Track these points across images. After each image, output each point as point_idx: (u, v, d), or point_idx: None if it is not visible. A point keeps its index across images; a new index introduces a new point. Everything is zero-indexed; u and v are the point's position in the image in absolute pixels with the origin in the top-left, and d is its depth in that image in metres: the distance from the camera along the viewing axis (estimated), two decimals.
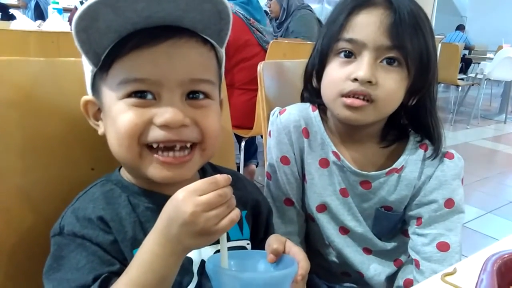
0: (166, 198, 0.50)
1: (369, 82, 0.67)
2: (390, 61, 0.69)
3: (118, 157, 0.55)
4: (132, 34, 0.50)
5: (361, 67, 0.68)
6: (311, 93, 0.82)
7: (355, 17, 0.70)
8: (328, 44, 0.73)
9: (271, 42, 2.14)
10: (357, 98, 0.69)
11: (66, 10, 2.83)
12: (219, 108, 0.59)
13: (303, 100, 0.85)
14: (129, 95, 0.51)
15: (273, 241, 0.57)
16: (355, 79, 0.68)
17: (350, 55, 0.70)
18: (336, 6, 0.75)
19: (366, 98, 0.68)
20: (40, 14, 4.73)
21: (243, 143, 2.33)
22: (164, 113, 0.50)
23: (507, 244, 0.63)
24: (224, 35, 0.55)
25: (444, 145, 0.78)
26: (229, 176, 0.47)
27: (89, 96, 0.58)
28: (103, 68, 0.53)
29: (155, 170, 0.53)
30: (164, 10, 0.48)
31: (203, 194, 0.45)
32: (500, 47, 5.74)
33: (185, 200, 0.44)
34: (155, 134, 0.51)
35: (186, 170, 0.54)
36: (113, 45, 0.51)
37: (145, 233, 0.53)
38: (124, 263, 0.51)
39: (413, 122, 0.79)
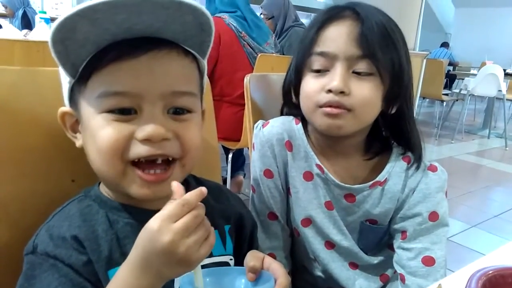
0: (146, 212, 0.49)
1: (342, 92, 0.69)
2: (362, 70, 0.70)
3: (99, 173, 0.54)
4: (111, 46, 0.49)
5: (334, 78, 0.69)
6: (291, 107, 0.83)
7: (325, 31, 0.72)
8: (302, 59, 0.75)
9: (259, 55, 2.15)
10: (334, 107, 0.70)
11: (53, 20, 2.80)
12: (200, 120, 0.58)
13: (283, 115, 0.85)
14: (109, 110, 0.50)
15: (250, 259, 0.57)
16: (329, 91, 0.69)
17: (323, 69, 0.72)
18: (309, 23, 0.77)
19: (343, 107, 0.69)
20: (27, 23, 4.68)
21: (230, 155, 2.32)
22: (146, 127, 0.49)
23: (492, 259, 0.63)
24: (206, 46, 0.55)
25: (425, 157, 0.78)
26: (201, 189, 0.45)
27: (66, 107, 0.56)
28: (81, 80, 0.51)
29: (136, 187, 0.52)
30: (144, 22, 0.47)
31: (178, 219, 0.43)
32: (483, 64, 5.88)
33: (161, 229, 0.42)
34: (138, 150, 0.50)
35: (166, 187, 0.52)
36: (92, 57, 0.50)
37: (122, 250, 0.52)
38: (98, 285, 0.50)
39: (394, 132, 0.79)
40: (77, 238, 0.51)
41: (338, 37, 0.70)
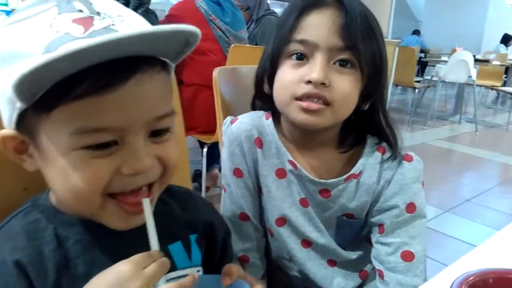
0: (100, 228, 0.47)
1: (323, 84, 0.65)
2: (343, 62, 0.67)
3: (68, 208, 0.49)
4: (84, 71, 0.39)
5: (314, 68, 0.66)
6: (263, 99, 0.78)
7: (306, 18, 0.68)
8: (279, 46, 0.71)
9: (232, 46, 2.11)
10: (313, 101, 0.66)
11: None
12: (177, 133, 0.53)
13: (254, 108, 0.81)
14: (86, 147, 0.43)
15: (228, 266, 0.54)
16: (309, 81, 0.66)
17: (302, 57, 0.68)
18: (286, 8, 0.72)
19: (322, 100, 0.66)
20: None
21: (205, 149, 2.28)
22: (132, 162, 0.44)
23: (470, 262, 0.62)
24: (184, 54, 0.49)
25: (402, 146, 0.76)
26: (159, 252, 0.46)
27: (8, 131, 0.46)
28: (39, 107, 0.42)
29: (117, 220, 0.48)
30: (131, 49, 0.41)
31: (146, 267, 0.44)
32: (453, 50, 5.99)
33: (133, 275, 0.42)
34: (123, 184, 0.45)
35: (143, 216, 0.48)
36: (57, 84, 0.39)
37: (71, 272, 0.47)
38: None
39: (368, 126, 0.77)
40: (20, 264, 0.46)
41: (320, 26, 0.66)
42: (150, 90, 0.45)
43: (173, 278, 0.53)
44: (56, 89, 0.39)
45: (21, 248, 0.47)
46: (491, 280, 0.45)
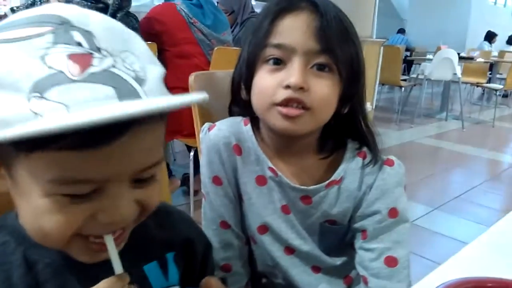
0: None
1: (301, 88, 0.64)
2: (321, 66, 0.66)
3: (35, 240, 0.44)
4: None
5: (292, 73, 0.64)
6: (241, 106, 0.77)
7: (281, 22, 0.66)
8: (254, 51, 0.69)
9: (216, 48, 2.09)
10: (292, 106, 0.65)
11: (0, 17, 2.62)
12: (161, 174, 0.48)
13: (232, 114, 0.79)
14: (63, 195, 0.39)
15: (207, 278, 0.53)
16: (287, 86, 0.64)
17: (279, 62, 0.66)
18: (260, 12, 0.71)
19: (301, 105, 0.65)
20: None
21: (192, 152, 2.26)
22: (111, 211, 0.40)
23: (450, 267, 0.61)
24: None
25: (386, 143, 0.75)
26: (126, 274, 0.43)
27: None
28: (18, 146, 0.38)
29: (82, 255, 0.45)
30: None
31: None
32: (438, 48, 6.04)
33: None
34: (96, 229, 0.42)
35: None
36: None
37: None
38: None
39: (347, 131, 0.76)
40: None
41: (295, 29, 0.65)
42: (144, 142, 0.40)
43: None
44: (39, 137, 0.33)
45: None
46: None
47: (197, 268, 0.61)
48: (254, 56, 0.69)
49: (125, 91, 0.37)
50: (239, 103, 0.76)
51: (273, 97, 0.66)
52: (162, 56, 2.14)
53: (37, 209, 0.40)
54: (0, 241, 0.46)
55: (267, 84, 0.67)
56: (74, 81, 0.35)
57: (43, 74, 0.35)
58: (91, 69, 0.37)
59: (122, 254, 0.44)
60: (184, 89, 2.31)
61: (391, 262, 0.72)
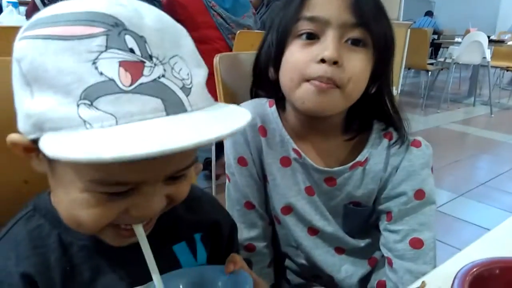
0: None
1: (335, 63, 0.62)
2: (355, 41, 0.64)
3: (71, 227, 0.46)
4: None
5: (327, 46, 0.63)
6: (265, 87, 0.76)
7: None
8: (286, 26, 0.67)
9: (238, 32, 2.08)
10: (323, 81, 0.63)
11: (22, 3, 2.66)
12: (192, 171, 0.50)
13: (254, 97, 0.79)
14: (101, 193, 0.41)
15: (233, 255, 0.54)
16: (322, 60, 0.63)
17: (312, 36, 0.65)
18: None
19: (333, 82, 0.63)
20: None
21: None
22: (143, 206, 0.42)
23: (475, 251, 0.60)
24: None
25: (411, 128, 0.74)
26: None
27: (21, 139, 0.42)
28: None
29: (111, 240, 0.47)
30: None
31: None
32: (467, 31, 5.83)
33: None
34: (128, 220, 0.44)
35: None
36: None
37: (76, 280, 0.46)
38: None
39: (374, 111, 0.74)
40: (26, 275, 0.44)
41: (329, 2, 0.63)
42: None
43: None
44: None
45: (26, 258, 0.45)
46: (497, 271, 0.43)
47: (223, 248, 0.63)
48: (285, 31, 0.67)
49: (171, 103, 0.37)
50: (265, 84, 0.76)
51: (305, 72, 0.64)
52: None
53: (74, 202, 0.41)
54: (35, 224, 0.48)
55: (299, 58, 0.65)
56: (124, 91, 0.35)
57: (94, 81, 0.35)
58: (142, 79, 0.36)
59: (151, 236, 0.46)
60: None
61: (416, 243, 0.71)
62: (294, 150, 0.74)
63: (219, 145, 2.44)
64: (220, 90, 0.85)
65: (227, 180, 0.80)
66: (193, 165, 0.46)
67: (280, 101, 0.76)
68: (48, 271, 0.46)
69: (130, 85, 0.36)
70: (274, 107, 0.76)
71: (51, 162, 0.42)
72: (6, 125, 0.48)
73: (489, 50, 5.03)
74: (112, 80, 0.35)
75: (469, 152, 3.68)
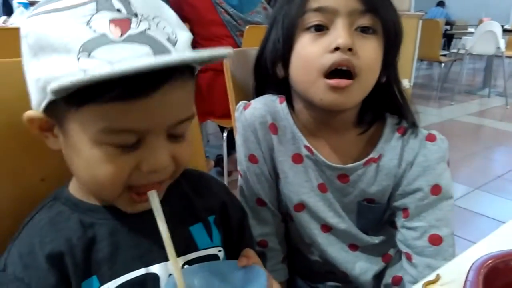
0: (122, 213, 0.51)
1: (350, 50, 0.61)
2: (365, 28, 0.63)
3: (92, 193, 0.53)
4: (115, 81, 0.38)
5: (339, 34, 0.62)
6: (273, 85, 0.75)
7: None
8: (292, 21, 0.66)
9: (247, 27, 2.07)
10: (341, 77, 0.62)
11: (32, 4, 2.69)
12: (192, 133, 0.55)
13: (259, 95, 0.78)
14: (112, 144, 0.45)
15: (246, 249, 0.56)
16: (336, 49, 0.61)
17: (321, 27, 0.64)
18: None
19: (350, 70, 0.62)
20: (9, 10, 4.55)
21: (225, 133, 2.28)
22: (152, 160, 0.46)
23: (490, 244, 0.59)
24: (211, 62, 0.48)
25: (426, 121, 0.73)
26: None
27: (35, 113, 0.47)
28: (70, 101, 0.43)
29: (126, 205, 0.51)
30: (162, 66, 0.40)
31: None
32: (480, 21, 5.75)
33: None
34: (141, 180, 0.48)
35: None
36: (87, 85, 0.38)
37: (97, 256, 0.50)
38: None
39: (384, 104, 0.73)
40: (52, 256, 0.48)
41: None
42: (178, 97, 0.46)
43: (194, 259, 0.56)
44: (88, 90, 0.38)
45: (50, 241, 0.49)
46: None
47: (235, 233, 0.64)
48: (291, 26, 0.66)
49: (159, 49, 0.42)
50: (271, 83, 0.75)
51: (321, 64, 0.63)
52: (192, 40, 2.12)
53: (89, 160, 0.46)
54: (56, 211, 0.52)
55: (312, 51, 0.64)
56: (116, 42, 0.41)
57: (90, 36, 0.40)
58: (130, 32, 0.42)
59: (168, 217, 0.48)
60: (217, 70, 2.28)
61: (435, 240, 0.70)
62: (306, 147, 0.73)
63: (231, 142, 2.45)
64: (231, 86, 0.84)
65: (239, 177, 0.80)
66: (191, 119, 0.50)
67: (288, 97, 0.75)
68: (72, 249, 0.49)
69: (120, 36, 0.41)
70: (284, 103, 0.75)
71: (64, 128, 0.47)
72: (23, 124, 0.50)
73: (503, 40, 4.93)
74: (104, 34, 0.41)
75: (485, 144, 3.62)
